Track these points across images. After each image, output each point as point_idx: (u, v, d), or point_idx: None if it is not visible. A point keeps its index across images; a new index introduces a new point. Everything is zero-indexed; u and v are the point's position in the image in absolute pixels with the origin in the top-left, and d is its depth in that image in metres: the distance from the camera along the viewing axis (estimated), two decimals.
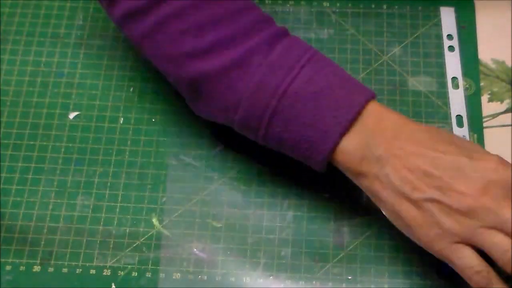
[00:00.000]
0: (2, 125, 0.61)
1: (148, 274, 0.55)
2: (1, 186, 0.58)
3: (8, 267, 0.55)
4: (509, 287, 0.47)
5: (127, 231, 0.57)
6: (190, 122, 0.61)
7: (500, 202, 0.46)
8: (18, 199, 0.58)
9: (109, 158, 0.60)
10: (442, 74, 0.63)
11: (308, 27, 0.66)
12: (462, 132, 0.60)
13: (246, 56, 0.51)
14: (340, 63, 0.61)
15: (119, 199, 0.58)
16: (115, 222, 0.57)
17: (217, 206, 0.58)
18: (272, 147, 0.54)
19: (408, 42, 0.65)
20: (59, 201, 0.58)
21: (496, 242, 0.46)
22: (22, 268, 0.55)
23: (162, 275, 0.55)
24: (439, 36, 0.65)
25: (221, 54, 0.52)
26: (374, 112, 0.51)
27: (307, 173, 0.58)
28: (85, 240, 0.56)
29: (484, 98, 0.62)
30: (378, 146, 0.49)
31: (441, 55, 0.64)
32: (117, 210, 0.57)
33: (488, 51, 0.64)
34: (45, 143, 0.60)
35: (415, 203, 0.48)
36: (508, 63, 0.64)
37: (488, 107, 0.62)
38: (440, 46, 0.65)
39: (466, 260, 0.47)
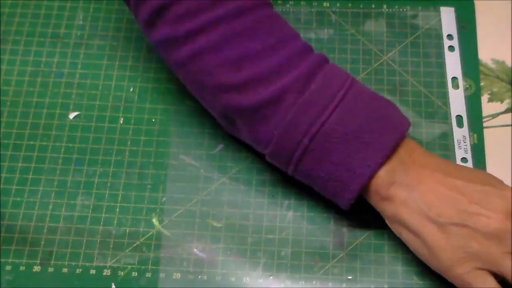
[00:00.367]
0: (2, 125, 0.61)
1: (148, 274, 0.55)
2: (1, 186, 0.58)
3: (8, 267, 0.55)
4: None
5: (127, 231, 0.57)
6: (190, 122, 0.61)
7: None
8: (18, 199, 0.58)
9: (109, 158, 0.60)
10: (442, 74, 0.63)
11: (308, 27, 0.66)
12: (462, 132, 0.60)
13: (281, 93, 0.51)
14: (340, 63, 0.61)
15: (119, 199, 0.58)
16: (115, 222, 0.57)
17: (217, 206, 0.58)
18: (301, 180, 0.55)
19: (408, 42, 0.65)
20: (59, 201, 0.58)
21: None
22: (22, 268, 0.55)
23: (162, 275, 0.55)
24: (439, 36, 0.65)
25: (255, 91, 0.52)
26: (405, 145, 0.52)
27: None
28: (85, 240, 0.56)
29: (484, 98, 0.62)
30: (407, 174, 0.51)
31: (441, 55, 0.64)
32: (117, 210, 0.57)
33: (488, 51, 0.64)
34: (45, 143, 0.60)
35: (441, 226, 0.49)
36: (508, 63, 0.64)
37: (488, 107, 0.62)
38: (440, 46, 0.65)
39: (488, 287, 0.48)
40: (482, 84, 0.63)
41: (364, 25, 0.66)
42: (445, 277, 0.50)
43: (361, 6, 0.67)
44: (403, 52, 0.64)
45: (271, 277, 0.55)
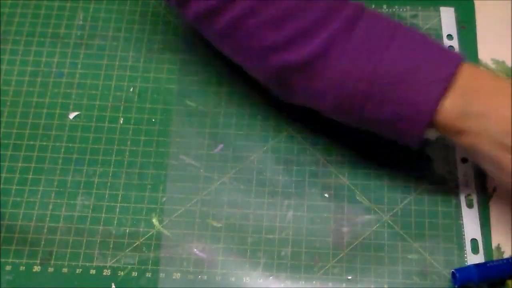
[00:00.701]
0: (2, 125, 0.61)
1: (148, 274, 0.55)
2: (1, 186, 0.58)
3: (8, 267, 0.55)
4: None
5: (127, 231, 0.57)
6: (190, 122, 0.61)
7: None
8: (18, 199, 0.58)
9: (109, 158, 0.60)
10: None
11: None
12: None
13: (327, 44, 0.51)
14: None
15: (119, 199, 0.58)
16: (115, 222, 0.57)
17: (217, 206, 0.58)
18: (367, 128, 0.54)
19: None
20: (59, 201, 0.58)
21: None
22: (22, 268, 0.55)
23: (162, 275, 0.55)
24: (439, 36, 0.65)
25: (301, 46, 0.51)
26: (466, 73, 0.51)
27: (308, 172, 0.59)
28: (85, 240, 0.56)
29: None
30: (477, 103, 0.50)
31: None
32: (117, 210, 0.57)
33: (488, 51, 0.64)
34: (45, 143, 0.60)
35: None
36: (508, 63, 0.64)
37: None
38: None
39: None
40: None
41: None
42: None
43: None
44: None
45: (271, 277, 0.55)
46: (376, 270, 0.55)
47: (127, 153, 0.60)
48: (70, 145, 0.60)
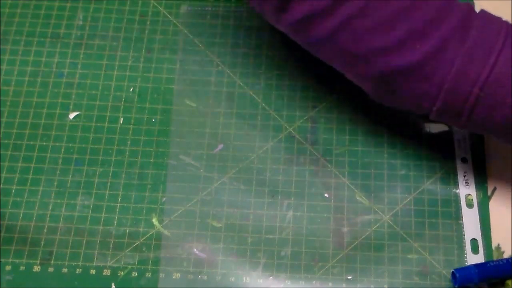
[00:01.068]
0: (2, 125, 0.61)
1: (148, 274, 0.55)
2: (1, 186, 0.58)
3: (8, 267, 0.55)
4: None
5: (127, 231, 0.57)
6: (190, 122, 0.61)
7: None
8: (18, 199, 0.58)
9: (109, 158, 0.60)
10: None
11: None
12: (462, 132, 0.60)
13: (441, 46, 0.49)
14: None
15: (119, 199, 0.58)
16: (115, 222, 0.57)
17: (217, 206, 0.58)
18: (475, 131, 0.53)
19: None
20: (59, 201, 0.58)
21: None
22: (22, 268, 0.55)
23: (162, 275, 0.55)
24: None
25: (413, 48, 0.49)
26: None
27: (307, 172, 0.59)
28: (85, 240, 0.56)
29: None
30: None
31: None
32: (117, 210, 0.57)
33: None
34: (45, 143, 0.60)
35: None
36: None
37: None
38: None
39: None
40: None
41: None
42: None
43: None
44: None
45: (271, 277, 0.55)
46: (376, 270, 0.55)
47: (127, 153, 0.60)
48: (70, 145, 0.60)
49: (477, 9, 0.66)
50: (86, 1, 0.67)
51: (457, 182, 0.58)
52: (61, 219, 0.57)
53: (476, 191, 0.58)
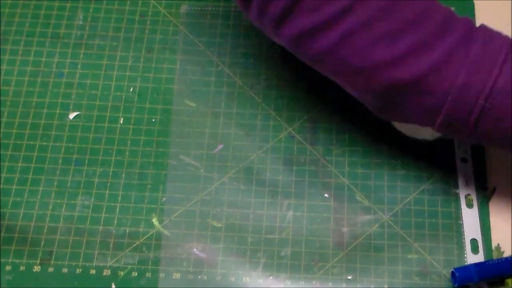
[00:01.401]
0: (2, 125, 0.61)
1: (148, 274, 0.55)
2: (1, 186, 0.58)
3: (8, 267, 0.55)
4: None
5: (127, 231, 0.57)
6: (190, 122, 0.61)
7: None
8: (18, 199, 0.58)
9: (109, 158, 0.60)
10: None
11: None
12: None
13: (445, 58, 0.49)
14: None
15: (119, 199, 0.58)
16: (115, 222, 0.57)
17: (217, 206, 0.58)
18: (479, 143, 0.53)
19: None
20: (59, 201, 0.58)
21: None
22: (22, 268, 0.55)
23: (162, 275, 0.55)
24: None
25: (417, 61, 0.49)
26: None
27: (307, 172, 0.59)
28: (85, 240, 0.56)
29: None
30: None
31: None
32: (117, 210, 0.57)
33: None
34: (45, 143, 0.60)
35: None
36: None
37: None
38: None
39: None
40: None
41: None
42: None
43: None
44: None
45: (271, 277, 0.55)
46: (376, 270, 0.55)
47: (127, 153, 0.60)
48: (70, 145, 0.60)
49: (477, 9, 0.67)
50: (86, 1, 0.67)
51: (457, 182, 0.58)
52: (61, 219, 0.57)
53: (476, 191, 0.58)
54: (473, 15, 0.66)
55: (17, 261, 0.55)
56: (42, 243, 0.56)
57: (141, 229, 0.57)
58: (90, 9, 0.67)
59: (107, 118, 0.62)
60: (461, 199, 0.58)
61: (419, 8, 0.49)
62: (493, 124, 0.50)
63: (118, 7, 0.67)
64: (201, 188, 0.58)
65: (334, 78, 0.54)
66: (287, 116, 0.61)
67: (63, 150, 0.60)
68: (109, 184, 0.59)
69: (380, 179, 0.58)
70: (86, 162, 0.60)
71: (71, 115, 0.62)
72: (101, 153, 0.60)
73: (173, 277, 0.55)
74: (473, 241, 0.56)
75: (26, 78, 0.63)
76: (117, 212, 0.57)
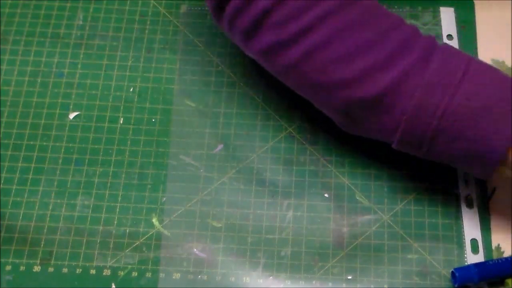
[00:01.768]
0: (2, 125, 0.61)
1: (148, 274, 0.55)
2: (1, 186, 0.58)
3: (8, 267, 0.55)
4: None
5: (127, 231, 0.57)
6: (190, 122, 0.61)
7: None
8: (18, 199, 0.58)
9: (109, 158, 0.60)
10: None
11: None
12: None
13: (402, 78, 0.50)
14: None
15: (119, 199, 0.58)
16: (115, 222, 0.57)
17: (217, 206, 0.58)
18: (436, 161, 0.54)
19: None
20: (59, 201, 0.58)
21: None
22: (22, 268, 0.55)
23: (162, 275, 0.55)
24: (439, 36, 0.65)
25: (375, 80, 0.50)
26: None
27: (307, 172, 0.59)
28: (85, 240, 0.56)
29: None
30: None
31: None
32: (117, 210, 0.58)
33: (488, 51, 0.64)
34: (45, 143, 0.60)
35: None
36: (508, 63, 0.64)
37: None
38: None
39: None
40: None
41: None
42: None
43: None
44: None
45: (271, 277, 0.55)
46: (376, 270, 0.55)
47: (127, 153, 0.60)
48: (70, 145, 0.60)
49: (477, 9, 0.67)
50: (86, 1, 0.67)
51: (457, 182, 0.58)
52: (61, 219, 0.57)
53: (476, 191, 0.58)
54: (473, 15, 0.66)
55: (17, 261, 0.55)
56: (42, 243, 0.56)
57: (141, 229, 0.57)
58: (90, 9, 0.67)
59: (107, 118, 0.62)
60: (461, 199, 0.58)
61: (380, 28, 0.51)
62: (447, 144, 0.51)
63: (118, 7, 0.67)
64: (201, 188, 0.58)
65: (299, 92, 0.55)
66: (287, 116, 0.61)
67: (63, 150, 0.60)
68: (109, 184, 0.59)
69: (380, 179, 0.58)
70: (86, 162, 0.60)
71: (71, 115, 0.62)
72: (101, 153, 0.60)
73: (173, 277, 0.55)
74: (473, 241, 0.56)
75: (26, 78, 0.63)
76: (117, 212, 0.57)
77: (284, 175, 0.59)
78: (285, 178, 0.58)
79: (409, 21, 0.66)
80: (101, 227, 0.57)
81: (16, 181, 0.59)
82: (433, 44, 0.52)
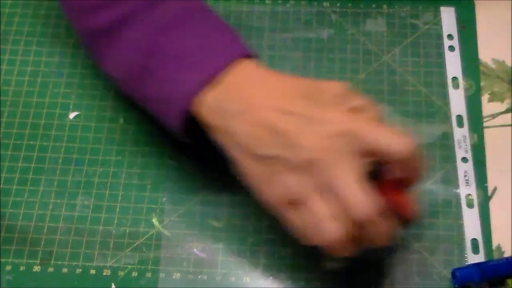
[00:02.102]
0: (2, 125, 0.61)
1: (148, 274, 0.55)
2: (1, 186, 0.58)
3: (8, 267, 0.55)
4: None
5: (127, 231, 0.57)
6: None
7: (342, 157, 0.44)
8: (18, 199, 0.58)
9: (109, 158, 0.60)
10: (442, 74, 0.63)
11: (308, 27, 0.66)
12: (462, 132, 0.60)
13: (129, 14, 0.52)
14: (340, 63, 0.61)
15: (119, 199, 0.58)
16: (115, 222, 0.57)
17: (217, 206, 0.58)
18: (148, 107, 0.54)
19: (408, 42, 0.65)
20: (59, 201, 0.58)
21: (314, 212, 0.44)
22: (22, 268, 0.55)
23: (162, 275, 0.55)
24: (439, 36, 0.65)
25: (106, 11, 0.53)
26: (239, 70, 0.49)
27: None
28: (85, 240, 0.56)
29: (484, 98, 0.62)
30: (232, 100, 0.47)
31: (441, 55, 0.64)
32: (117, 210, 0.57)
33: (488, 51, 0.64)
34: (45, 143, 0.60)
35: (260, 159, 0.46)
36: (508, 63, 0.64)
37: (488, 107, 0.62)
38: (440, 46, 0.65)
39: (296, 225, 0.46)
40: (482, 84, 0.63)
41: (364, 25, 0.66)
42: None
43: (361, 6, 0.67)
44: (403, 52, 0.64)
45: (271, 277, 0.55)
46: (376, 270, 0.55)
47: (127, 153, 0.60)
48: (70, 145, 0.60)
49: (477, 9, 0.67)
50: None
51: (458, 182, 0.58)
52: (61, 219, 0.57)
53: (476, 191, 0.58)
54: (474, 15, 0.66)
55: (17, 261, 0.55)
56: (42, 243, 0.56)
57: (141, 229, 0.57)
58: None
59: (107, 118, 0.62)
60: (461, 199, 0.58)
61: None
62: (151, 85, 0.52)
63: None
64: (201, 188, 0.58)
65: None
66: None
67: (63, 150, 0.60)
68: (109, 184, 0.59)
69: None
70: (86, 162, 0.59)
71: (71, 115, 0.62)
72: (101, 153, 0.60)
73: (173, 277, 0.55)
74: (474, 241, 0.56)
75: (26, 78, 0.63)
76: (117, 212, 0.57)
77: None
78: None
79: (409, 21, 0.66)
80: (101, 227, 0.57)
81: (16, 181, 0.59)
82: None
